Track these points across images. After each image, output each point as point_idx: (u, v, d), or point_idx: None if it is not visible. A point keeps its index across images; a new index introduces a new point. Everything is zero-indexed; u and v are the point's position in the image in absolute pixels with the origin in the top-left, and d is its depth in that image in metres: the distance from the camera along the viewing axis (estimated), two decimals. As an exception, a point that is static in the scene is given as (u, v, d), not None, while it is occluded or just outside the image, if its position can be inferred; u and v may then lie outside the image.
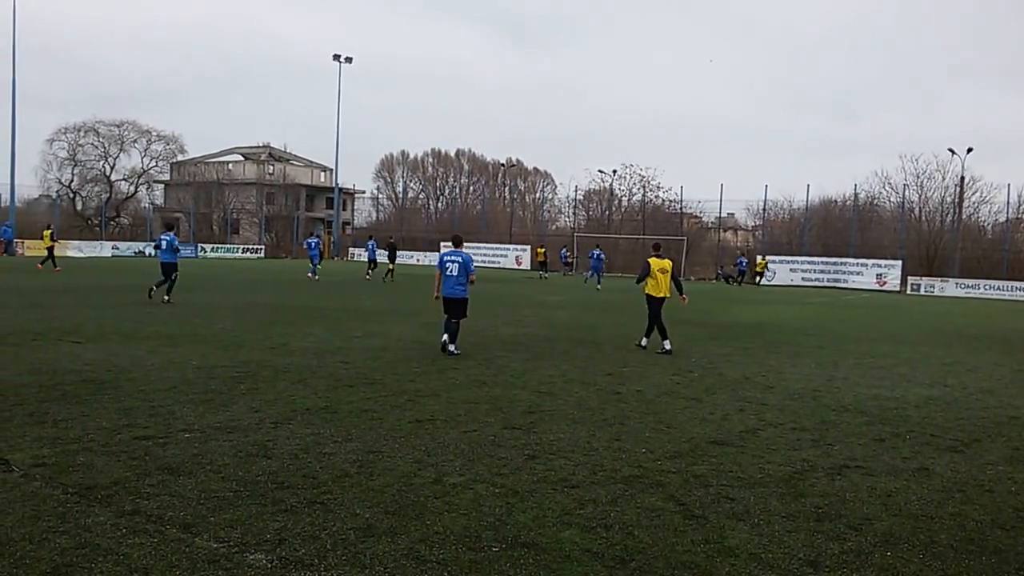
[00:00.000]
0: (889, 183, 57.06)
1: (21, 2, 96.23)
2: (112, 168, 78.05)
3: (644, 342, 14.37)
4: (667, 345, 13.85)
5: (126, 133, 77.99)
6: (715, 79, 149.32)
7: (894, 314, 27.20)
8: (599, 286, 36.02)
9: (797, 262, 49.14)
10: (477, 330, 16.04)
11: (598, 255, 38.33)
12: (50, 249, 34.04)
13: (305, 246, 36.33)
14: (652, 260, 14.44)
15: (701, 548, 4.83)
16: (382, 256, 36.27)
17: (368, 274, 35.69)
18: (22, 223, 52.08)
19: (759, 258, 48.14)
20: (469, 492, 5.70)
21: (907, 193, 54.03)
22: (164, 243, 20.67)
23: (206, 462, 6.16)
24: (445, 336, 12.69)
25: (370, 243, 37.67)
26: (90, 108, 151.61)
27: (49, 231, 35.54)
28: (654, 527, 5.15)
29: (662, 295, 14.33)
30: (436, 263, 13.41)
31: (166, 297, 19.69)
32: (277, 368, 10.60)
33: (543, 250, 48.80)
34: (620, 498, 5.70)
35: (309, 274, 32.91)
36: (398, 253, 37.26)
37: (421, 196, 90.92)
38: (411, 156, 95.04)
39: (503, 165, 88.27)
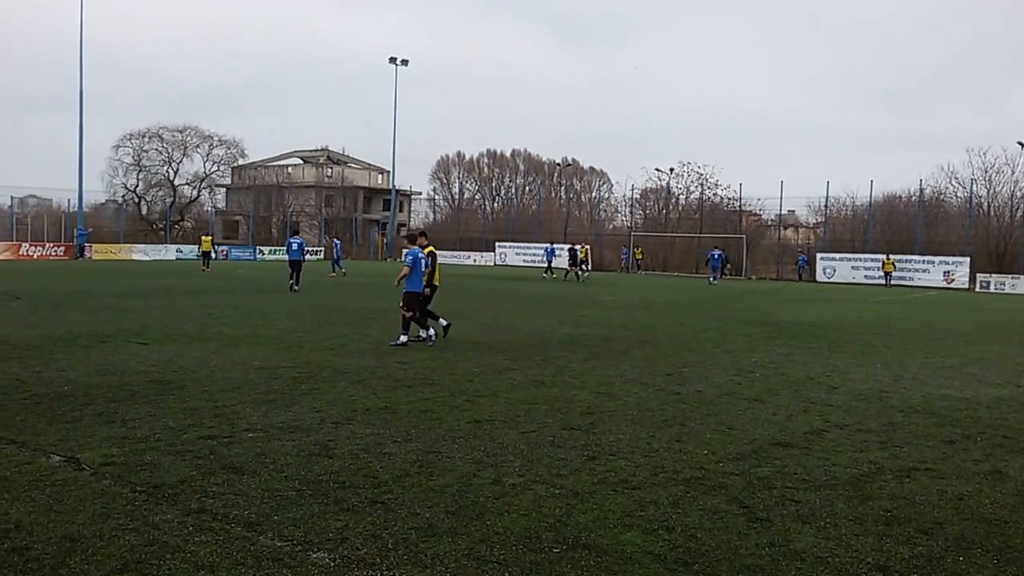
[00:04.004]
0: (956, 178, 55.39)
1: (88, 14, 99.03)
2: (175, 173, 79.99)
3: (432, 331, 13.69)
4: (423, 333, 13.42)
5: (189, 138, 79.84)
6: (775, 75, 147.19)
7: (963, 312, 26.45)
8: (716, 282, 41.09)
9: (860, 259, 48.14)
10: (535, 330, 16.04)
11: (719, 255, 43.55)
12: (207, 253, 38.38)
13: (334, 246, 39.85)
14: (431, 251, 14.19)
15: (766, 551, 4.74)
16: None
17: (544, 275, 40.74)
18: (89, 227, 53.56)
19: (884, 258, 46.55)
20: (529, 493, 5.68)
21: (975, 188, 52.38)
22: (296, 245, 25.67)
23: (269, 461, 6.25)
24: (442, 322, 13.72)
25: (549, 247, 42.56)
26: (154, 114, 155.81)
27: (209, 237, 40.01)
28: (717, 529, 5.07)
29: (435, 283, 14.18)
30: (410, 260, 13.47)
31: (296, 287, 24.65)
32: (337, 369, 10.72)
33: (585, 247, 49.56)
34: (682, 500, 5.63)
35: (336, 273, 34.52)
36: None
37: (477, 197, 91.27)
38: (467, 157, 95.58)
39: (559, 165, 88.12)
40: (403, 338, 13.22)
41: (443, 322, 14.04)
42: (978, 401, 9.87)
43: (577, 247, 41.36)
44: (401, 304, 13.54)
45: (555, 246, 43.75)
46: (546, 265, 42.14)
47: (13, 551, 4.40)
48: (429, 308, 14.07)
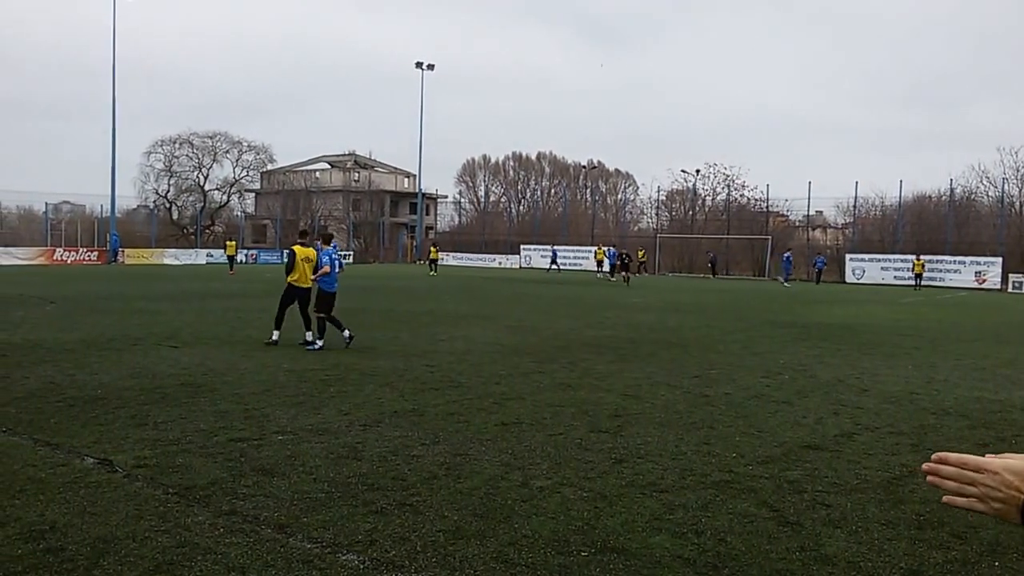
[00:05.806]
0: (987, 177, 54.65)
1: (119, 24, 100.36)
2: (206, 178, 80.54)
3: (276, 336, 13.28)
4: (309, 336, 13.16)
5: (219, 144, 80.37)
6: (802, 75, 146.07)
7: (995, 313, 26.07)
8: (787, 284, 42.55)
9: (889, 260, 47.61)
10: (561, 332, 16.02)
11: (788, 257, 45.82)
12: (231, 257, 40.39)
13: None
14: (297, 248, 13.67)
15: (796, 556, 4.70)
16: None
17: (611, 277, 43.08)
18: (121, 232, 54.24)
19: (915, 259, 45.67)
20: (556, 496, 5.67)
21: (1007, 187, 51.64)
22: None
23: (299, 464, 6.29)
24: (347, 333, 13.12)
25: (611, 251, 45.52)
26: (184, 121, 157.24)
27: (233, 242, 42.22)
28: (747, 533, 5.03)
29: (307, 286, 13.52)
30: (326, 261, 13.53)
31: None
32: (364, 371, 10.77)
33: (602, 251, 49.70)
34: (711, 503, 5.60)
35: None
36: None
37: (503, 200, 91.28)
38: (492, 160, 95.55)
39: (584, 167, 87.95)
40: (319, 343, 12.96)
41: (308, 336, 13.32)
42: (1012, 403, 9.72)
43: (627, 251, 44.66)
44: (314, 307, 13.29)
45: (613, 249, 45.85)
46: (610, 269, 44.47)
47: (48, 552, 4.47)
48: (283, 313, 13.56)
